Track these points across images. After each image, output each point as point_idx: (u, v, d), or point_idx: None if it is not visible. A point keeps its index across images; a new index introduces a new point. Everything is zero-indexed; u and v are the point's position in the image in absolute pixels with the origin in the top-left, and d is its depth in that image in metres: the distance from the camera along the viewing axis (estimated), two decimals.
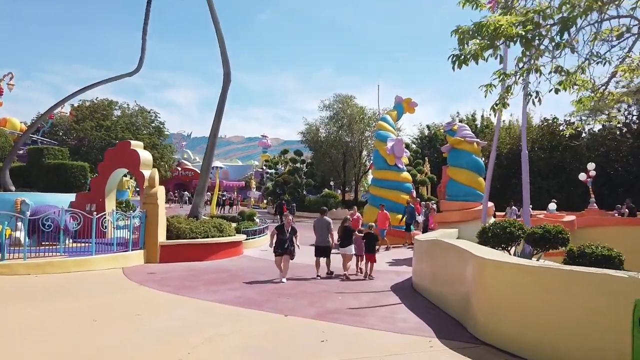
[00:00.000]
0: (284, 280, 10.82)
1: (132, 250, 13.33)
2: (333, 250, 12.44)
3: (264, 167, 57.36)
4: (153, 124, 41.86)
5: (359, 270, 12.36)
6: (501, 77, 5.24)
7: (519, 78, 5.17)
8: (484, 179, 16.10)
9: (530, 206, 24.88)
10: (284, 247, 11.05)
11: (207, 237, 14.95)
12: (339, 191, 48.17)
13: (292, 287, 10.18)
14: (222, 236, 15.47)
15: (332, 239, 12.13)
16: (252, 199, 51.46)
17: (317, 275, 11.71)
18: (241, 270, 12.68)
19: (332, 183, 45.21)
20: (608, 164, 33.41)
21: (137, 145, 16.93)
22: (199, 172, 17.26)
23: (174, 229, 14.59)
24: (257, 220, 21.66)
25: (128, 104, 42.03)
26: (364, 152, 42.89)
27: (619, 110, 35.60)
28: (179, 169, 61.61)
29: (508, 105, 5.52)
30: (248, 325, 6.95)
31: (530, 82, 5.17)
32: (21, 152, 25.21)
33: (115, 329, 6.67)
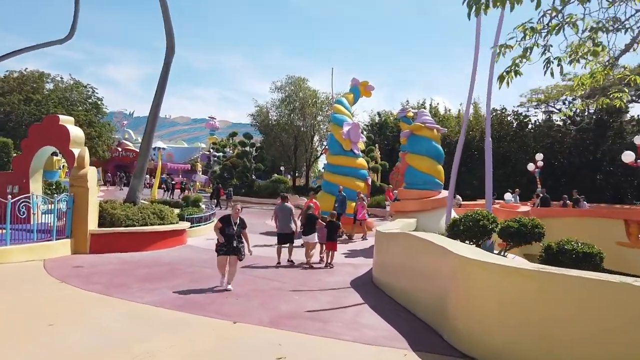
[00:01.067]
0: (229, 287, 8.55)
1: (56, 239, 11.68)
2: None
3: (211, 150, 55.08)
4: (90, 100, 38.69)
5: (321, 259, 12.14)
6: (524, 34, 4.24)
7: (545, 37, 4.19)
8: (443, 167, 15.59)
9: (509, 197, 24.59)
10: (231, 244, 8.58)
11: (146, 224, 13.47)
12: (289, 176, 47.06)
13: (241, 284, 9.04)
14: (163, 224, 14.03)
15: (295, 226, 11.93)
16: (197, 183, 49.25)
17: (278, 263, 11.48)
18: (183, 262, 11.38)
19: (282, 168, 44.01)
20: (552, 155, 34.28)
21: (66, 120, 15.03)
22: (148, 158, 15.60)
23: (108, 215, 13.01)
24: (203, 206, 20.20)
25: (62, 77, 38.57)
26: (316, 137, 41.94)
27: (564, 103, 36.70)
28: (120, 149, 58.04)
29: (521, 73, 4.59)
30: (188, 338, 5.79)
31: (551, 46, 4.23)
32: None
33: (15, 346, 5.30)
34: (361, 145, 20.00)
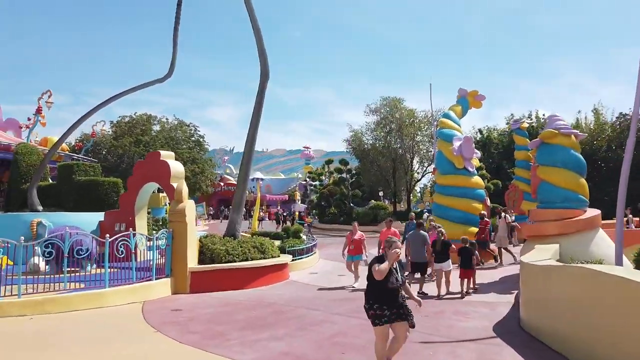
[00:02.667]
0: None
1: (156, 278, 11.01)
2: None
3: (308, 179, 55.01)
4: (193, 138, 40.42)
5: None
6: None
7: None
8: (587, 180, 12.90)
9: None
10: (396, 303, 5.32)
11: (247, 259, 12.49)
12: (387, 202, 45.06)
13: (358, 333, 7.42)
14: (264, 258, 12.97)
15: (428, 254, 11.38)
16: (297, 213, 49.08)
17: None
18: (287, 303, 10.05)
19: (381, 193, 42.11)
20: None
21: (167, 155, 14.80)
22: (246, 189, 14.91)
23: (207, 251, 12.23)
24: (304, 237, 19.08)
25: (167, 119, 40.85)
26: (416, 159, 39.64)
27: None
28: (222, 184, 60.27)
29: None
30: None
31: None
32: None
33: None
34: (475, 162, 17.70)
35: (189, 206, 12.08)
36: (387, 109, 38.78)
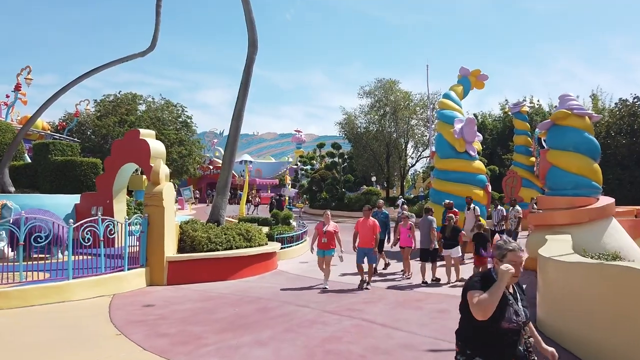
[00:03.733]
0: None
1: (129, 269, 9.92)
2: None
3: (299, 164, 53.83)
4: (180, 119, 38.86)
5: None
6: None
7: None
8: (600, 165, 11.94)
9: None
10: (516, 354, 2.98)
11: (231, 248, 11.45)
12: (378, 187, 44.14)
13: (354, 339, 6.42)
14: (251, 246, 11.95)
15: (433, 240, 10.77)
16: (286, 198, 48.01)
17: (424, 282, 10.54)
18: (275, 297, 9.04)
19: (373, 179, 41.15)
20: None
21: (147, 134, 13.63)
22: (232, 170, 13.68)
23: (188, 238, 11.16)
24: (294, 223, 18.04)
25: (153, 98, 39.15)
26: (410, 143, 38.58)
27: None
28: (211, 167, 58.89)
29: None
30: None
31: None
32: None
33: None
34: (477, 146, 16.66)
35: (167, 189, 10.95)
36: (382, 91, 37.52)
